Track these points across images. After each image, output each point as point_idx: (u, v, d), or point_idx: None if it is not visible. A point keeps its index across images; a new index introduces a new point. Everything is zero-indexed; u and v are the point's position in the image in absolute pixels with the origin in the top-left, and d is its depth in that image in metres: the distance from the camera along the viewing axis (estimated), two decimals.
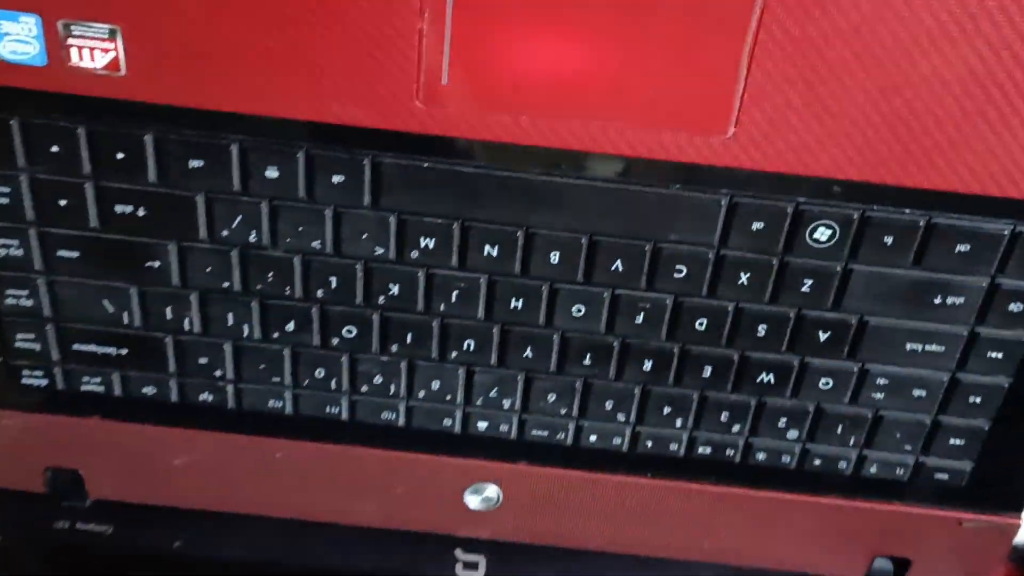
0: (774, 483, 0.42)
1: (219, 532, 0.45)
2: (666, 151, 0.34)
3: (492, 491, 0.43)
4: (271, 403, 0.41)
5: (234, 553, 0.45)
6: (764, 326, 0.37)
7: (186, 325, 0.39)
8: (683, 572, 0.45)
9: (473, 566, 0.45)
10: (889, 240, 0.35)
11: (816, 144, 0.33)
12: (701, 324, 0.37)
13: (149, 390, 0.41)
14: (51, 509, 0.45)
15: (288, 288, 0.38)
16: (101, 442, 0.43)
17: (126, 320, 0.39)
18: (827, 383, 0.39)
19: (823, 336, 0.37)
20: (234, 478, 0.44)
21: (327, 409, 0.41)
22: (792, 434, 0.40)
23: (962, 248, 0.35)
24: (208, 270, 0.37)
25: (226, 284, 0.38)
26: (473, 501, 0.43)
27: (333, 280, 0.37)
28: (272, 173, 0.35)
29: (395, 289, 0.37)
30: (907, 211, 0.35)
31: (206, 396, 0.41)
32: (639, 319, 0.37)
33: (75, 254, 0.37)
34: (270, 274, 0.37)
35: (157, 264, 0.37)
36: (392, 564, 0.45)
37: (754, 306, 0.37)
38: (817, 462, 0.41)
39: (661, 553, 0.45)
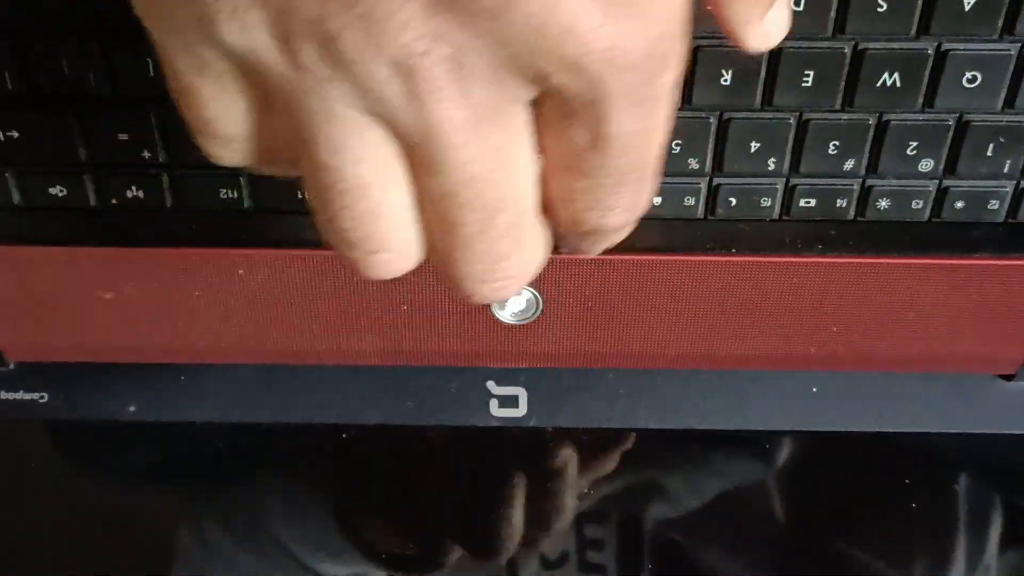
0: (901, 244, 0.32)
1: (183, 390, 0.35)
2: None
3: (526, 295, 0.33)
4: (223, 193, 0.31)
5: (206, 414, 0.35)
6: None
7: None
8: (783, 387, 0.35)
9: (512, 401, 0.35)
10: None
11: None
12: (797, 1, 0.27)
13: (58, 192, 0.31)
14: None
15: None
16: (2, 280, 0.32)
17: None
18: (974, 79, 0.28)
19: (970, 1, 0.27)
20: (185, 313, 0.33)
21: (297, 193, 0.31)
22: (926, 164, 0.30)
23: None
24: None
25: None
26: (504, 313, 0.33)
27: None
28: None
29: None
30: None
31: (135, 192, 0.31)
32: None
33: None
34: None
35: None
36: (406, 410, 0.35)
37: None
38: (959, 205, 0.31)
39: (750, 366, 0.35)
